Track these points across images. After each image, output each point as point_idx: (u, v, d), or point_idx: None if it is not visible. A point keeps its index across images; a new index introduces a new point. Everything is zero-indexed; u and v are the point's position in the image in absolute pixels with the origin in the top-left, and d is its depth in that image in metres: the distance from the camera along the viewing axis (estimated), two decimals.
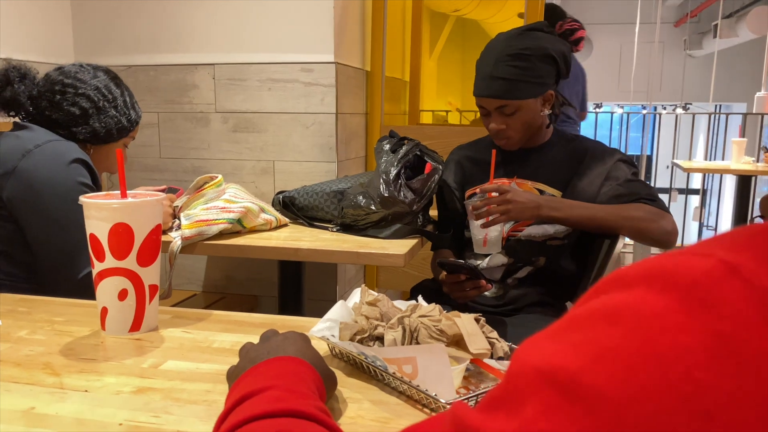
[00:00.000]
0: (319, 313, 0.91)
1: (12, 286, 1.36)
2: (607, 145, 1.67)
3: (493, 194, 1.44)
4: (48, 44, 2.12)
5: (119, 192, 0.92)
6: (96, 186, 1.45)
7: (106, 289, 0.89)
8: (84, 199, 0.88)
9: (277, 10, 2.10)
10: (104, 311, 0.90)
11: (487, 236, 1.52)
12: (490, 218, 1.44)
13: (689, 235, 6.31)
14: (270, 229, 1.74)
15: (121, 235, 0.87)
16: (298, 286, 1.86)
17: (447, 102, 3.69)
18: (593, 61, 6.96)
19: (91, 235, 0.88)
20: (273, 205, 1.87)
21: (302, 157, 2.16)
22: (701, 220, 6.51)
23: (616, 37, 8.13)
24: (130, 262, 0.88)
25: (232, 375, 0.68)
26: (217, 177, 1.74)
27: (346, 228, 1.69)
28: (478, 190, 1.56)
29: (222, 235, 1.62)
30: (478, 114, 1.64)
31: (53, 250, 1.36)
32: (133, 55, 2.20)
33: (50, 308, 1.03)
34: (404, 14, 2.88)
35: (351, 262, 2.22)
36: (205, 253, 1.67)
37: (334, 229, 1.71)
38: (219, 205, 1.65)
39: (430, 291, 1.60)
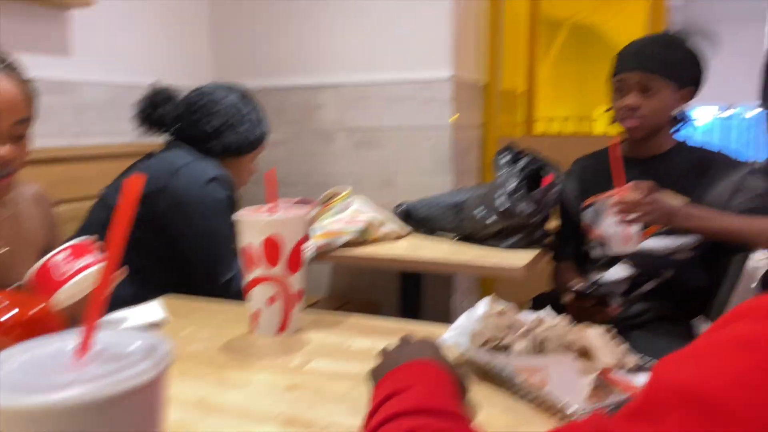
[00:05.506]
0: (436, 319, 0.98)
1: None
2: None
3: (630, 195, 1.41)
4: (189, 67, 2.36)
5: (268, 207, 1.03)
6: (233, 198, 1.59)
7: (258, 295, 1.00)
8: (239, 215, 1.00)
9: (397, 31, 2.20)
10: (256, 314, 1.01)
11: (628, 233, 1.47)
12: (629, 217, 1.41)
13: None
14: (392, 240, 1.83)
15: (273, 246, 0.97)
16: (417, 294, 1.93)
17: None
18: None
19: (245, 246, 0.99)
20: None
21: (420, 171, 2.24)
22: None
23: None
24: (280, 270, 0.98)
25: (376, 374, 0.75)
26: (345, 190, 1.86)
27: (466, 238, 1.74)
28: (605, 196, 1.53)
29: (348, 244, 1.73)
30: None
31: (199, 258, 1.52)
32: (265, 78, 2.39)
33: (209, 309, 1.16)
34: (519, 25, 2.89)
35: (470, 274, 2.26)
36: (332, 261, 1.78)
37: (455, 238, 1.77)
38: (345, 218, 1.76)
39: (552, 302, 1.61)
